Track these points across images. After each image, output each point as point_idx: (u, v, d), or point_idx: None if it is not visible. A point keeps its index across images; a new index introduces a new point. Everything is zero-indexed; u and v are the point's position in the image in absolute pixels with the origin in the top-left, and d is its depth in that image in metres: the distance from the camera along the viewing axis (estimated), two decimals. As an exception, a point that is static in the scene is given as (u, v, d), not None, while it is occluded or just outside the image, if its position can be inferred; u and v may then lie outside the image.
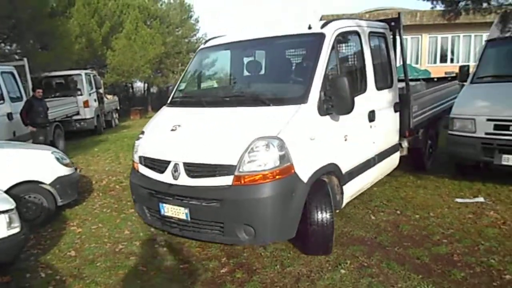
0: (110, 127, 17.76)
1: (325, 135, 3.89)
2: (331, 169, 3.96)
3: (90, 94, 14.87)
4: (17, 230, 3.52)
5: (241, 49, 5.14)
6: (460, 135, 5.74)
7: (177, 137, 3.96)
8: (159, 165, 3.95)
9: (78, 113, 14.05)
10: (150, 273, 3.84)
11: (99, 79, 16.97)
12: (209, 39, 5.39)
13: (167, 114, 4.65)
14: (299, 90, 3.93)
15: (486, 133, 5.48)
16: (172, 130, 4.05)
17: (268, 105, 3.81)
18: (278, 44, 4.82)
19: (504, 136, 5.32)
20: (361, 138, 4.55)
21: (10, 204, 3.56)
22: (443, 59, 22.33)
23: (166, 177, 3.83)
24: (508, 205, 5.09)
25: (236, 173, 3.43)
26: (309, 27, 4.24)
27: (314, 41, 4.13)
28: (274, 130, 3.51)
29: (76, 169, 6.17)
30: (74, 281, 3.75)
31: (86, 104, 14.47)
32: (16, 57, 14.38)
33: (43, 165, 5.42)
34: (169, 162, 3.83)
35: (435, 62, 22.31)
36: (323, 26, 4.19)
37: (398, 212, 5.04)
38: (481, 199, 5.32)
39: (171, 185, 3.76)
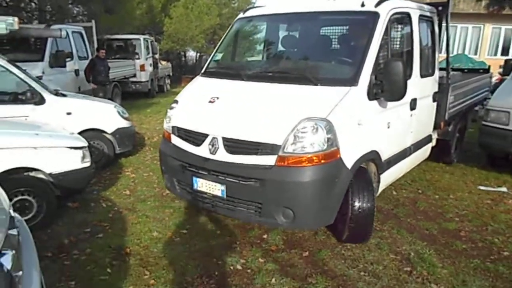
0: (162, 91, 18.72)
1: (371, 121, 3.74)
2: (373, 156, 3.83)
3: (146, 59, 15.75)
4: (88, 164, 4.28)
5: (285, 22, 4.94)
6: (494, 127, 5.91)
7: (216, 110, 3.75)
8: (195, 138, 3.75)
9: (134, 76, 14.98)
10: (191, 212, 4.52)
11: (155, 45, 17.84)
12: (248, 9, 5.08)
13: (203, 85, 4.40)
14: (350, 72, 3.74)
15: (519, 127, 5.64)
16: (210, 102, 3.84)
17: (316, 84, 3.60)
18: (327, 20, 4.61)
19: (536, 131, 5.47)
20: (401, 127, 4.43)
21: (84, 142, 4.31)
22: (505, 51, 21.28)
23: (202, 150, 3.65)
24: (529, 196, 5.31)
25: (280, 154, 3.27)
26: (363, 4, 3.96)
27: (367, 20, 3.90)
28: (323, 111, 3.33)
29: (132, 124, 6.97)
30: (129, 213, 4.51)
31: (142, 68, 15.38)
32: (81, 18, 15.56)
33: (106, 116, 6.22)
34: (206, 135, 3.64)
35: (495, 54, 21.28)
36: (377, 4, 3.93)
37: (420, 191, 5.40)
38: (504, 189, 5.54)
39: (207, 159, 3.59)
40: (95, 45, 11.66)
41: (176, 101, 4.27)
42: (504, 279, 3.37)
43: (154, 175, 5.87)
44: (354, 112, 3.52)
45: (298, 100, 3.53)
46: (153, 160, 6.67)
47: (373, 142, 3.82)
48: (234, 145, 3.48)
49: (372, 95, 3.66)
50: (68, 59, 9.41)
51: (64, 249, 3.68)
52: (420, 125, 4.90)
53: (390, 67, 3.57)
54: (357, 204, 3.55)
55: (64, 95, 6.04)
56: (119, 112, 6.37)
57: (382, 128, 3.98)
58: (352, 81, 3.57)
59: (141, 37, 15.87)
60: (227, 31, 4.96)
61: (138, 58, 15.31)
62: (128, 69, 14.36)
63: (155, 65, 16.90)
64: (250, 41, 5.64)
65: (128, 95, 14.60)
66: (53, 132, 4.38)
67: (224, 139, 3.53)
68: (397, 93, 3.65)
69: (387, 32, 3.87)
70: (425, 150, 5.38)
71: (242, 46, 5.43)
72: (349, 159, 3.43)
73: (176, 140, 4.00)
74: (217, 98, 3.86)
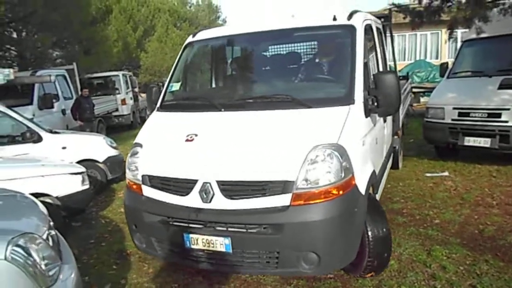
0: (144, 122, 19.46)
1: (369, 139, 3.51)
2: (374, 177, 3.54)
3: (127, 93, 16.60)
4: (87, 186, 5.06)
5: (251, 42, 4.41)
6: (433, 122, 6.91)
7: (200, 149, 3.17)
8: (179, 186, 3.13)
9: (117, 110, 15.80)
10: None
11: (134, 79, 18.78)
12: (198, 31, 4.57)
13: (166, 121, 3.78)
14: (342, 89, 3.46)
15: (452, 119, 6.63)
16: (188, 140, 3.25)
17: (309, 107, 3.23)
18: (300, 37, 4.28)
19: (466, 122, 6.47)
20: (381, 140, 4.31)
21: (82, 168, 5.11)
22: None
23: (191, 200, 3.05)
24: (466, 176, 6.26)
25: (295, 191, 2.82)
26: (334, 18, 3.77)
27: (345, 33, 3.71)
28: (332, 136, 2.96)
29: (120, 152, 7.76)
30: (125, 226, 5.11)
31: (123, 102, 16.20)
32: (60, 61, 16.38)
33: (97, 147, 7.01)
34: (195, 181, 3.04)
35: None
36: (349, 17, 3.77)
37: (375, 183, 6.28)
38: (445, 173, 6.48)
39: (200, 210, 3.01)
40: (78, 85, 12.50)
41: (138, 145, 3.52)
42: (432, 239, 4.23)
43: (144, 194, 6.64)
44: (359, 132, 3.23)
45: (297, 127, 3.11)
46: (142, 182, 7.44)
47: (371, 161, 3.56)
48: (234, 189, 2.95)
49: (367, 111, 3.40)
50: (55, 100, 10.22)
51: (74, 257, 4.40)
52: (388, 136, 4.93)
53: (383, 81, 3.32)
54: (374, 232, 3.22)
55: (57, 133, 6.83)
56: (108, 142, 7.17)
57: (373, 145, 3.76)
58: (349, 99, 3.27)
59: (120, 73, 16.76)
60: (177, 57, 4.33)
61: (119, 93, 16.13)
62: (110, 104, 15.17)
63: (135, 98, 17.73)
64: (209, 65, 5.00)
65: (113, 129, 15.34)
66: (55, 163, 5.16)
67: (220, 182, 2.97)
68: (393, 107, 3.44)
69: (365, 44, 3.71)
70: (390, 160, 5.41)
71: (201, 72, 5.09)
72: (362, 184, 3.11)
73: (150, 192, 3.29)
74: (195, 135, 3.26)
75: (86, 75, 15.66)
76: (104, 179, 6.97)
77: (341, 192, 2.88)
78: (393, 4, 7.04)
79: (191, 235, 3.08)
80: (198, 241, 3.06)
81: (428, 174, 6.54)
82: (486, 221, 4.59)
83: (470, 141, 6.45)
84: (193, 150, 3.21)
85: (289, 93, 3.50)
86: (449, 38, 7.11)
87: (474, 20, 6.16)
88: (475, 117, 6.39)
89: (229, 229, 2.97)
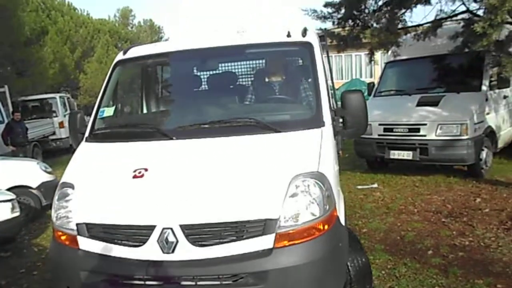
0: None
1: (336, 162, 3.08)
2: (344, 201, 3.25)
3: (64, 116, 16.00)
4: (17, 214, 4.90)
5: (198, 60, 3.90)
6: (362, 137, 7.39)
7: (154, 187, 2.61)
8: (130, 235, 2.52)
9: (54, 133, 15.22)
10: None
11: (72, 101, 18.23)
12: (130, 47, 3.84)
13: (103, 154, 3.08)
14: (307, 111, 3.23)
15: (379, 135, 7.17)
16: (137, 177, 2.66)
17: (277, 131, 2.83)
18: (252, 54, 3.86)
19: (390, 136, 7.04)
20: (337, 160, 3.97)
21: (11, 195, 4.94)
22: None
23: (147, 251, 2.45)
24: (392, 187, 6.76)
25: (278, 230, 2.39)
26: (288, 35, 3.37)
27: (304, 51, 3.39)
28: (311, 163, 2.59)
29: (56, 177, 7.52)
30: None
31: (61, 125, 15.60)
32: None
33: (30, 173, 6.76)
34: (151, 227, 2.45)
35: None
36: (304, 34, 3.40)
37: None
38: (375, 185, 6.95)
39: (160, 262, 2.43)
40: (10, 109, 11.95)
41: (67, 185, 2.81)
42: (359, 247, 4.54)
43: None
44: (332, 157, 2.82)
45: (268, 154, 2.69)
46: (80, 207, 7.25)
47: (339, 185, 3.15)
48: (202, 233, 2.42)
49: (335, 133, 3.06)
50: (-17, 125, 9.72)
51: (2, 288, 4.24)
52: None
53: (351, 100, 3.05)
54: (354, 263, 2.95)
55: (-14, 159, 6.53)
56: (41, 168, 6.93)
57: (337, 167, 3.35)
58: (318, 121, 2.92)
59: (57, 95, 16.23)
60: (107, 78, 3.64)
61: (56, 116, 15.57)
62: (47, 128, 14.61)
63: (74, 120, 17.17)
64: (142, 87, 4.33)
65: (50, 153, 14.72)
66: (-18, 190, 4.95)
67: (185, 227, 2.41)
68: (363, 128, 3.17)
69: (323, 62, 3.42)
70: None
71: (136, 95, 4.33)
72: (341, 214, 2.80)
73: (89, 244, 2.60)
74: (144, 169, 2.69)
75: (20, 98, 15.01)
76: (38, 205, 6.71)
77: (326, 227, 2.50)
78: (320, 29, 7.54)
79: None
80: None
81: (359, 187, 6.98)
82: (407, 227, 5.00)
83: (395, 154, 7.00)
84: (145, 189, 2.61)
85: (254, 116, 3.01)
86: (370, 60, 7.76)
87: (387, 45, 6.78)
88: (398, 132, 6.97)
89: (199, 283, 2.40)
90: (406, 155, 6.94)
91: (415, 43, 7.23)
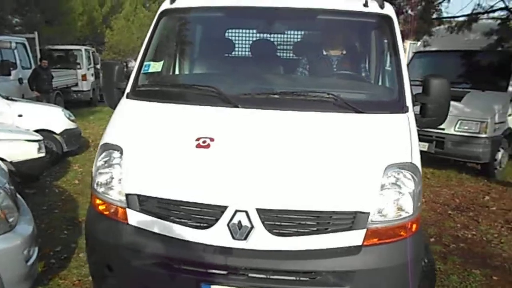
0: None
1: None
2: None
3: (88, 69, 16.25)
4: (43, 154, 5.15)
5: (263, 20, 3.41)
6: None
7: (224, 161, 2.26)
8: (195, 214, 2.20)
9: (76, 85, 15.45)
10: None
11: (97, 55, 18.42)
12: None
13: (155, 116, 2.64)
14: (390, 92, 2.88)
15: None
16: (201, 146, 2.31)
17: (360, 111, 2.50)
18: (325, 22, 3.27)
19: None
20: None
21: (39, 136, 5.18)
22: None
23: (215, 236, 2.15)
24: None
25: (369, 226, 2.14)
26: (366, 4, 2.97)
27: (384, 26, 3.02)
28: (404, 153, 2.33)
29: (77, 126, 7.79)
30: (79, 196, 5.39)
31: (84, 77, 15.85)
32: (20, 28, 15.80)
33: (54, 118, 7.02)
34: (223, 208, 2.15)
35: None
36: (382, 5, 3.00)
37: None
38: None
39: (230, 249, 2.14)
40: (38, 55, 12.18)
41: (114, 147, 2.44)
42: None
43: (99, 168, 6.74)
44: (418, 147, 2.50)
45: (354, 138, 2.39)
46: (98, 157, 7.53)
47: None
48: (282, 221, 2.15)
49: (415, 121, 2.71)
50: (12, 68, 9.96)
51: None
52: None
53: (436, 87, 2.66)
54: (425, 261, 2.67)
55: (14, 100, 6.77)
56: (65, 115, 7.18)
57: None
58: (402, 105, 2.62)
59: (83, 47, 16.38)
60: (151, 28, 3.14)
61: (80, 68, 15.76)
62: (70, 79, 14.84)
63: (97, 75, 17.38)
64: (200, 43, 3.82)
65: (71, 104, 14.95)
66: (11, 128, 5.19)
67: (262, 211, 2.12)
68: (443, 118, 2.76)
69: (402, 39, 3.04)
70: None
71: (188, 51, 3.80)
72: (420, 211, 2.49)
73: (141, 220, 2.29)
74: (210, 139, 2.33)
75: (47, 46, 15.19)
76: (60, 150, 6.98)
77: (414, 227, 2.25)
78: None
79: (212, 287, 2.16)
80: None
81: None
82: (413, 214, 5.12)
83: (410, 144, 7.03)
84: (213, 162, 2.25)
85: (335, 92, 2.62)
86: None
87: (420, 33, 6.72)
88: (417, 122, 6.97)
89: (271, 277, 2.12)
90: (422, 146, 6.93)
91: (447, 35, 7.15)
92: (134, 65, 3.11)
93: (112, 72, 2.93)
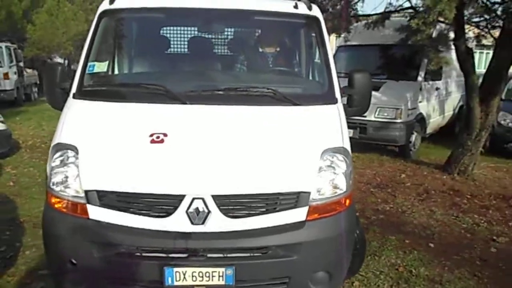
0: (30, 100, 18.08)
1: None
2: None
3: (10, 67, 15.32)
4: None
5: (201, 20, 3.61)
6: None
7: (178, 154, 2.47)
8: (154, 204, 2.40)
9: (-2, 84, 14.55)
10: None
11: (19, 52, 17.33)
12: None
13: (106, 115, 2.74)
14: (320, 87, 3.19)
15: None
16: (155, 142, 2.48)
17: (295, 104, 2.80)
18: (259, 22, 3.64)
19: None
20: None
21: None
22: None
23: (175, 222, 2.36)
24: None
25: (311, 203, 2.46)
26: (296, 6, 3.27)
27: (312, 26, 3.32)
28: (336, 138, 2.67)
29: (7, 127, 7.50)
30: (16, 198, 5.31)
31: (6, 76, 14.89)
32: None
33: (-19, 120, 6.72)
34: (181, 197, 2.36)
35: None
36: (309, 8, 3.31)
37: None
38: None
39: (189, 234, 2.36)
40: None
41: (69, 147, 2.52)
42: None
43: (34, 169, 6.63)
44: (347, 133, 2.85)
45: (292, 127, 2.70)
46: (32, 158, 7.37)
47: None
48: (236, 205, 2.41)
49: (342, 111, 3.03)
50: None
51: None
52: None
53: (360, 80, 3.00)
54: (357, 234, 3.12)
55: None
56: (-6, 117, 6.91)
57: None
58: (332, 97, 2.93)
59: (3, 44, 15.39)
60: (92, 29, 3.21)
61: (1, 66, 14.84)
62: (-10, 78, 13.92)
63: (20, 73, 16.43)
64: (140, 44, 3.99)
65: (-7, 105, 14.12)
66: None
67: (217, 197, 2.37)
68: (366, 107, 3.10)
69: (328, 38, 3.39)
70: None
71: (129, 52, 3.95)
72: (352, 189, 2.80)
73: (101, 214, 2.41)
74: (163, 135, 2.51)
75: (-40, 44, 14.13)
76: (-12, 154, 6.74)
77: (348, 202, 2.62)
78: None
79: (175, 269, 2.34)
80: (186, 276, 2.36)
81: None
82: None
83: (337, 131, 7.69)
84: (168, 156, 2.45)
85: (272, 87, 2.88)
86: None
87: (339, 30, 7.37)
88: (342, 111, 7.63)
89: (228, 255, 2.40)
90: (348, 132, 7.62)
91: (365, 31, 7.85)
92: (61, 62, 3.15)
93: (55, 72, 2.97)
